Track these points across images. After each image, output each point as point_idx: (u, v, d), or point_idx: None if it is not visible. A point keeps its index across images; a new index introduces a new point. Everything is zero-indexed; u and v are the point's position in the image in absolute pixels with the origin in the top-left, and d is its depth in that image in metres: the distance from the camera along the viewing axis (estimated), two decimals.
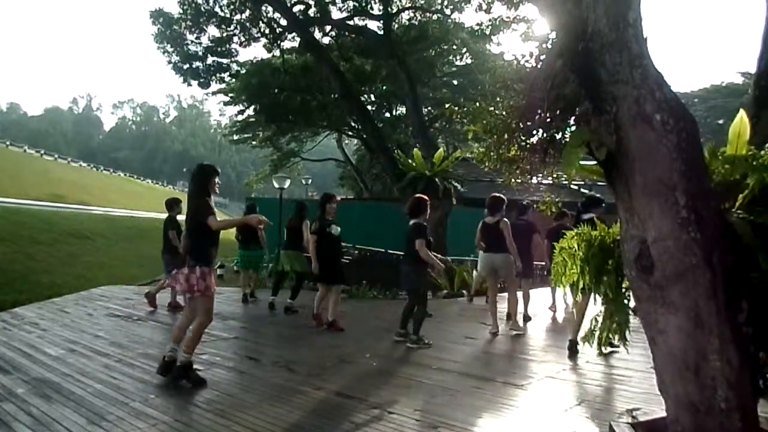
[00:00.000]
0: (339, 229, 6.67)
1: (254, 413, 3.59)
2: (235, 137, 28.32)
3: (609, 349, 5.90)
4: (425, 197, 6.07)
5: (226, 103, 25.14)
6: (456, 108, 7.63)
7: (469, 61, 22.67)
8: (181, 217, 5.55)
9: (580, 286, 3.20)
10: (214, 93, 24.16)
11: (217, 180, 4.48)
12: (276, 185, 16.45)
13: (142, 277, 13.55)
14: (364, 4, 18.08)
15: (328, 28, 19.11)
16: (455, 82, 25.51)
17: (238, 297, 8.93)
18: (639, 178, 2.47)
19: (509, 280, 6.78)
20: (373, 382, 4.44)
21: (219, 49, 19.20)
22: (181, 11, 17.85)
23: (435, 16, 19.42)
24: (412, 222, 5.89)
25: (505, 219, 6.53)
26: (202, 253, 4.26)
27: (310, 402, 3.87)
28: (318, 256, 6.49)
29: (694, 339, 2.36)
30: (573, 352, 5.36)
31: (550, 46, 2.76)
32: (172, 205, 7.69)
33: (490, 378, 4.59)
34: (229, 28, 18.45)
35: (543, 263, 8.83)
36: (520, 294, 7.05)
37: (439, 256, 6.11)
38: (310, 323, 6.78)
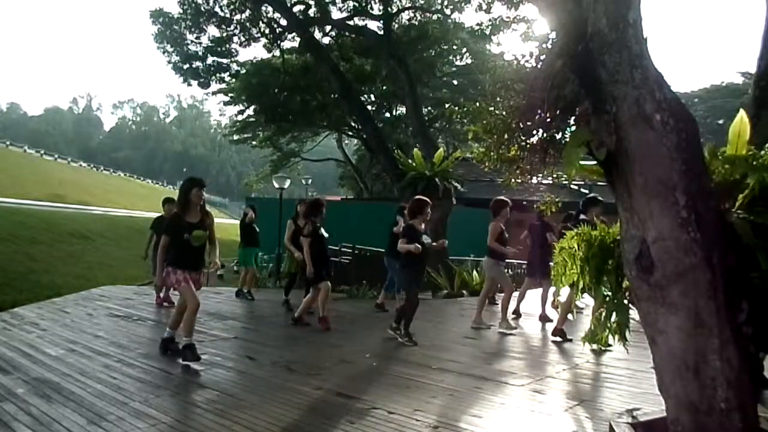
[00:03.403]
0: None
1: (254, 413, 3.59)
2: (235, 137, 28.37)
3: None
4: (423, 198, 6.09)
5: (226, 103, 25.20)
6: (456, 108, 7.64)
7: (469, 61, 22.72)
8: None
9: (580, 286, 3.20)
10: (214, 93, 24.22)
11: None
12: (276, 185, 16.49)
13: (142, 277, 13.56)
14: (364, 4, 18.09)
15: (328, 28, 19.13)
16: (455, 82, 25.56)
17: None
18: (639, 178, 2.46)
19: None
20: (373, 382, 4.44)
21: (219, 49, 19.23)
22: (181, 11, 17.88)
23: (435, 16, 19.43)
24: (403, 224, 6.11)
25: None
26: None
27: (310, 402, 3.86)
28: (313, 259, 6.43)
29: (694, 339, 2.36)
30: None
31: (550, 46, 2.76)
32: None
33: (490, 378, 4.59)
34: (229, 28, 18.47)
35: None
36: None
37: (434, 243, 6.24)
38: (314, 325, 6.74)
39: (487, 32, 18.23)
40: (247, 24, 18.39)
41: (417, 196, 6.30)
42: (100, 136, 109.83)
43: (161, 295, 8.02)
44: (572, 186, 16.36)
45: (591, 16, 2.56)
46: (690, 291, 2.36)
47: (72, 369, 4.55)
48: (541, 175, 3.20)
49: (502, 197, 7.05)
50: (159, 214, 8.29)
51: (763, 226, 2.45)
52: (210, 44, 19.01)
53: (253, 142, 28.30)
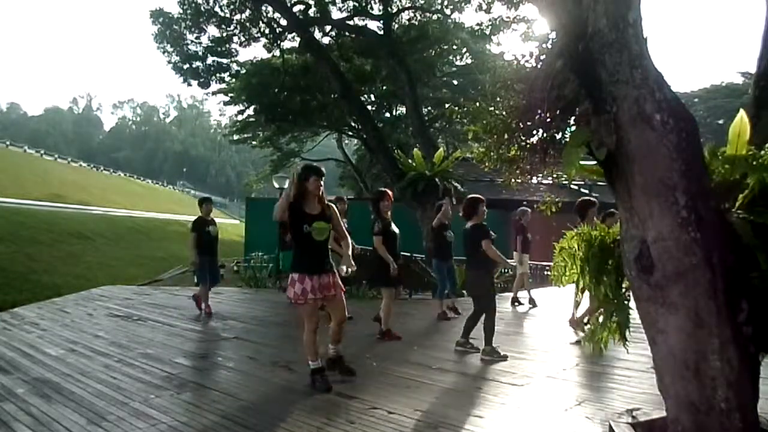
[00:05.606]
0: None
1: (254, 413, 3.59)
2: (235, 137, 28.31)
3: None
4: (475, 196, 5.75)
5: (226, 103, 25.14)
6: (456, 108, 7.66)
7: (469, 61, 22.68)
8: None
9: (581, 286, 3.20)
10: (214, 93, 24.14)
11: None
12: (276, 185, 16.51)
13: (141, 277, 13.56)
14: (364, 4, 18.07)
15: (328, 28, 19.10)
16: (455, 82, 25.51)
17: (240, 297, 8.96)
18: (639, 178, 2.47)
19: None
20: (373, 382, 4.44)
21: (219, 49, 19.20)
22: (181, 11, 17.85)
23: (435, 16, 19.40)
24: (469, 225, 5.58)
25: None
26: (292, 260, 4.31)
27: (310, 402, 3.87)
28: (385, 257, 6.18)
29: (694, 339, 2.36)
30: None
31: (550, 46, 2.76)
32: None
33: (490, 378, 4.59)
34: (229, 28, 18.44)
35: None
36: None
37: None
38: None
39: (487, 32, 18.21)
40: (247, 24, 18.36)
41: (469, 195, 5.91)
42: (100, 136, 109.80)
43: (202, 303, 7.60)
44: (572, 186, 16.36)
45: (591, 16, 2.56)
46: (690, 291, 2.36)
47: (72, 369, 4.55)
48: (541, 175, 3.19)
49: (589, 197, 6.41)
50: (197, 216, 7.84)
51: (763, 226, 2.45)
52: (210, 44, 18.98)
53: (253, 142, 28.25)
